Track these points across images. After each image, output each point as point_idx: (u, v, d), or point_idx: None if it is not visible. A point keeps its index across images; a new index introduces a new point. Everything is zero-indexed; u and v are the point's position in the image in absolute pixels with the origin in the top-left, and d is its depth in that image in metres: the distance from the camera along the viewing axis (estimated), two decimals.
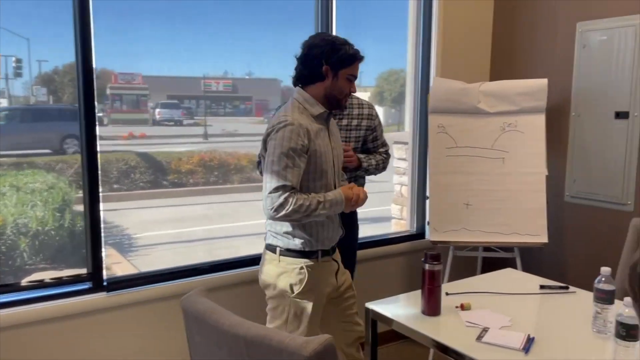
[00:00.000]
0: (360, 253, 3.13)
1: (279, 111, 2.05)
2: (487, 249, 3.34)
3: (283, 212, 1.86)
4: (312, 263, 2.02)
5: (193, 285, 2.52)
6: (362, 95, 3.44)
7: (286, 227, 2.00)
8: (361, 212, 2.68)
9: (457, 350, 1.66)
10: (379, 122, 2.69)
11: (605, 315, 1.74)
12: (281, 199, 1.85)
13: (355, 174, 2.57)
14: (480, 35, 3.58)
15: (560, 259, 3.29)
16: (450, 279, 2.71)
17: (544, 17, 3.31)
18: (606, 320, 1.74)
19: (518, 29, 3.47)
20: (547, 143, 3.08)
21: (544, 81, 3.07)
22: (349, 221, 2.49)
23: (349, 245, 2.55)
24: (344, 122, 2.56)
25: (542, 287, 2.21)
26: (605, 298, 1.74)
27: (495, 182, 3.11)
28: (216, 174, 4.04)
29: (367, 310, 1.99)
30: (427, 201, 3.31)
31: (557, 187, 3.26)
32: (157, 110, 4.63)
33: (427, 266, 1.91)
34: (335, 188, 2.04)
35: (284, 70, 3.54)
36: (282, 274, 2.02)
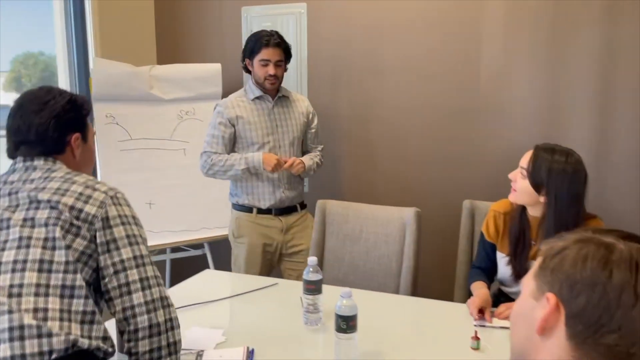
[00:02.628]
0: None
1: None
2: (175, 249, 3.06)
3: (205, 171, 2.47)
4: (247, 215, 2.49)
5: None
6: None
7: (232, 187, 2.55)
8: None
9: None
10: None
11: (316, 307, 1.70)
12: (201, 161, 2.47)
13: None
14: (141, 15, 3.21)
15: None
16: None
17: (210, 1, 3.17)
18: (317, 311, 1.70)
19: (183, 11, 3.24)
20: None
21: (218, 66, 2.95)
22: None
23: None
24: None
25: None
26: (315, 289, 1.69)
27: (178, 175, 2.85)
28: None
29: None
30: None
31: None
32: None
33: None
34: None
35: None
36: (230, 223, 2.58)
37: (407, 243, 2.24)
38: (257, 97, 2.47)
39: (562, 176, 1.69)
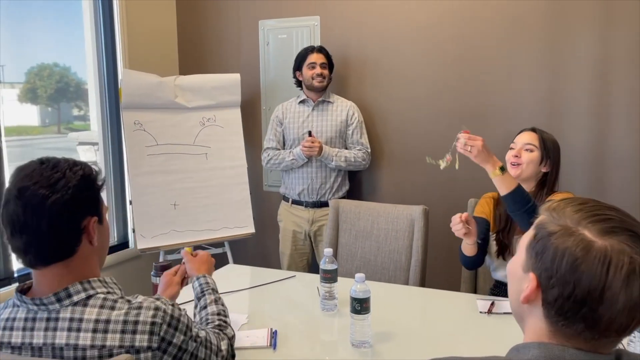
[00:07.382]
0: None
1: None
2: (197, 247, 3.24)
3: (264, 164, 3.01)
4: (285, 204, 3.01)
5: None
6: (10, 92, 2.94)
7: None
8: None
9: None
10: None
11: (332, 294, 1.87)
12: (262, 156, 3.00)
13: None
14: (164, 29, 3.42)
15: (264, 246, 3.45)
16: None
17: (229, 14, 3.37)
18: (333, 298, 1.87)
19: (203, 25, 3.45)
20: (244, 136, 3.17)
21: (237, 76, 3.14)
22: None
23: None
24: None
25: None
26: (331, 277, 1.86)
27: (200, 178, 3.04)
28: None
29: None
30: (130, 206, 3.01)
31: (256, 177, 3.40)
32: None
33: (157, 280, 1.69)
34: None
35: None
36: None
37: (416, 239, 2.40)
38: (302, 101, 2.94)
39: (557, 150, 2.03)
